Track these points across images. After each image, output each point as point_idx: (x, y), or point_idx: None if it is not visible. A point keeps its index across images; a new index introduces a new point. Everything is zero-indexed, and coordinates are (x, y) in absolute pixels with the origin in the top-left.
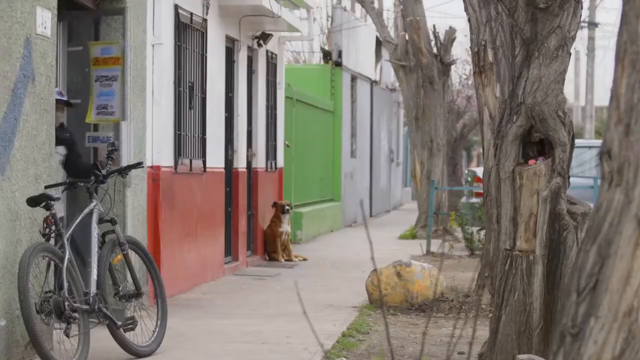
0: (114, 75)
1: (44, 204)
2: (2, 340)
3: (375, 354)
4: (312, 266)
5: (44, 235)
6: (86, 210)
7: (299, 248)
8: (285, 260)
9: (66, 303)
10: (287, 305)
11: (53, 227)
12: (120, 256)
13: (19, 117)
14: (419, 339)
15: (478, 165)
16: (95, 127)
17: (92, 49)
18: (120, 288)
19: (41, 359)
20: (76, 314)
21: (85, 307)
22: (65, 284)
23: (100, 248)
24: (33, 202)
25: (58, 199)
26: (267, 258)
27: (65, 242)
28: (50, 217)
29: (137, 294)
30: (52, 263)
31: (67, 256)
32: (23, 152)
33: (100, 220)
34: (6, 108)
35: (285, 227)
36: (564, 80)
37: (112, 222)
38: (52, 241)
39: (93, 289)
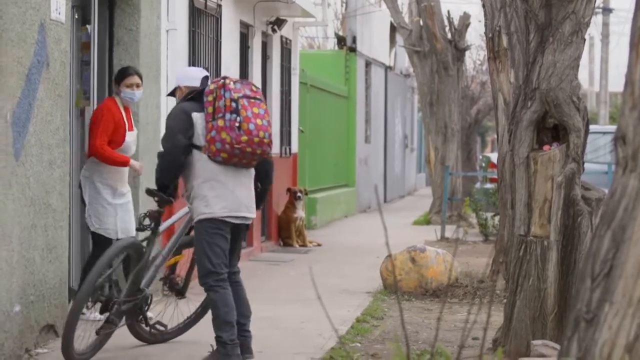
0: (87, 61)
1: (157, 199)
2: (16, 325)
3: (389, 340)
4: (326, 252)
5: (140, 225)
6: (186, 217)
7: (313, 234)
8: (300, 245)
9: (121, 306)
10: (301, 290)
11: (153, 224)
12: (179, 257)
13: (33, 103)
14: (433, 325)
15: (492, 151)
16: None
17: (83, 34)
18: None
19: (62, 344)
20: (117, 319)
21: (128, 307)
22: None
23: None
24: (152, 193)
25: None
26: (282, 244)
27: (156, 241)
28: (157, 213)
29: (182, 295)
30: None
31: (146, 257)
32: (37, 137)
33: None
34: (20, 94)
35: (300, 212)
36: (578, 65)
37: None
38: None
39: (147, 289)
